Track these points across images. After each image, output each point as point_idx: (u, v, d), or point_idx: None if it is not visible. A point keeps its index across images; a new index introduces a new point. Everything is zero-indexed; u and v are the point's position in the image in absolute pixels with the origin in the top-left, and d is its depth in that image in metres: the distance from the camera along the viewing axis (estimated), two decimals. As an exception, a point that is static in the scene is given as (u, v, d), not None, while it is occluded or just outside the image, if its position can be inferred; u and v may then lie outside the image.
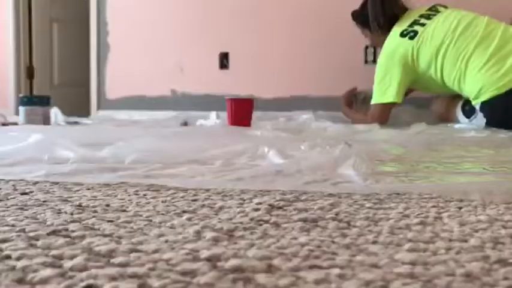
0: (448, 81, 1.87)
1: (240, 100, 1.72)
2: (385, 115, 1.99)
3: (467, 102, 1.88)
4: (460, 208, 0.52)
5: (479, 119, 1.82)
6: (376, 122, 1.89)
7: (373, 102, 2.00)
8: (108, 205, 0.53)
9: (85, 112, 3.49)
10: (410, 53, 1.89)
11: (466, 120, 1.88)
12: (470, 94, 1.82)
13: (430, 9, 1.97)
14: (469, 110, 1.88)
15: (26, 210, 0.50)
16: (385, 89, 1.96)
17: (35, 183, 0.67)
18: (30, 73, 3.99)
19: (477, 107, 1.82)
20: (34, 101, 2.00)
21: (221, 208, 0.52)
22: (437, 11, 1.94)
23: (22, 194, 0.59)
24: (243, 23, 3.02)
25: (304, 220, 0.46)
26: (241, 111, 1.70)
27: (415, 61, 1.90)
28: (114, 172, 0.76)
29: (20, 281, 0.30)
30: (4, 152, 0.92)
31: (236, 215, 0.49)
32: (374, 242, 0.39)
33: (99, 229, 0.42)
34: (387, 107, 1.99)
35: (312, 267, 0.33)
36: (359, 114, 2.11)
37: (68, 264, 0.33)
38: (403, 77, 1.93)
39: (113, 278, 0.30)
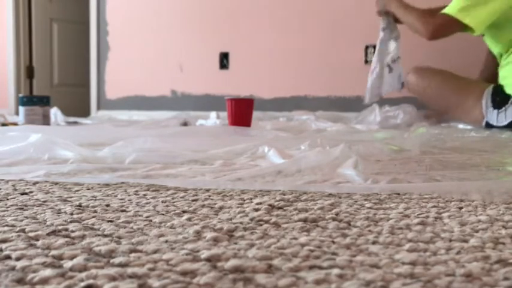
0: None
1: (240, 100, 1.72)
2: (449, 31, 1.68)
3: (498, 92, 1.72)
4: (460, 208, 0.52)
5: (509, 112, 1.67)
6: (432, 32, 1.63)
7: (446, 11, 1.66)
8: (108, 205, 0.53)
9: (85, 112, 3.49)
10: None
11: (494, 110, 1.71)
12: None
13: None
14: (500, 101, 1.71)
15: (26, 210, 0.50)
16: (472, 6, 1.61)
17: (35, 183, 0.67)
18: (30, 73, 3.99)
19: None
20: (34, 100, 2.00)
21: (221, 208, 0.52)
22: None
23: (22, 194, 0.59)
24: (243, 23, 3.02)
25: (304, 220, 0.46)
26: (241, 111, 1.69)
27: None
28: (114, 172, 0.76)
29: (20, 281, 0.30)
30: (4, 152, 0.92)
31: (236, 215, 0.48)
32: (374, 242, 0.39)
33: (99, 229, 0.42)
34: (458, 26, 1.65)
35: (312, 267, 0.33)
36: (416, 11, 1.74)
37: (68, 264, 0.33)
38: (498, 5, 1.60)
39: (112, 278, 0.30)
